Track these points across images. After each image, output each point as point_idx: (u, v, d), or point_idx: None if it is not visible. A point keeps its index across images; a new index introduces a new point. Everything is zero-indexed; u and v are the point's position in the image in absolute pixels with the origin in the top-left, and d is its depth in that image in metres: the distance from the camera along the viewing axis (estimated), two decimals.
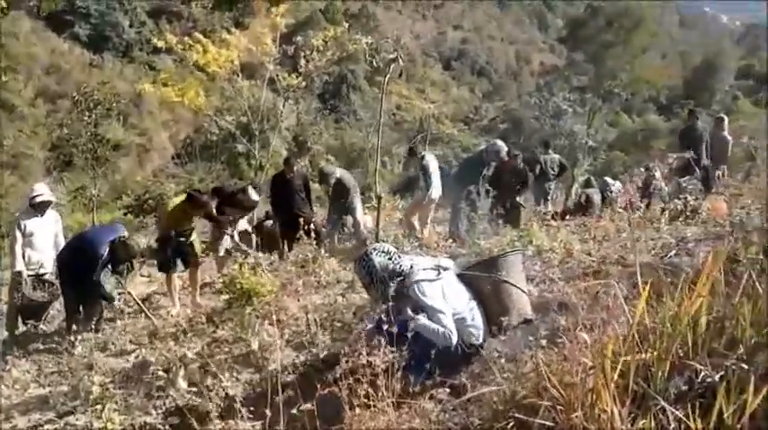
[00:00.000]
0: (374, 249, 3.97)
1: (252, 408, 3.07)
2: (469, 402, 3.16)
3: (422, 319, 3.68)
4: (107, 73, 42.13)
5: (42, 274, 7.11)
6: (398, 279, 3.87)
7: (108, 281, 6.23)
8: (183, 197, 7.42)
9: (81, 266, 6.10)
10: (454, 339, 3.68)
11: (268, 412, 2.84)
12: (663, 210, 7.53)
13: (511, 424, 2.63)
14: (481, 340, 3.87)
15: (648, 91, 45.72)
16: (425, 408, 3.17)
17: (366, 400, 2.94)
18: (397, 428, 2.96)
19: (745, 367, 2.29)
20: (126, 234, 6.39)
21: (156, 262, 7.74)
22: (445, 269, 4.04)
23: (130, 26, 51.67)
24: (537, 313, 4.19)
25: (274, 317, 5.20)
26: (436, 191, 9.55)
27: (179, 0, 57.48)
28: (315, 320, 5.08)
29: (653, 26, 42.10)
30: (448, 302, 3.81)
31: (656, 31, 43.89)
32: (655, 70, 42.64)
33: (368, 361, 3.04)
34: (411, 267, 3.92)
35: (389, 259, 3.89)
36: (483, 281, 4.13)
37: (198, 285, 7.46)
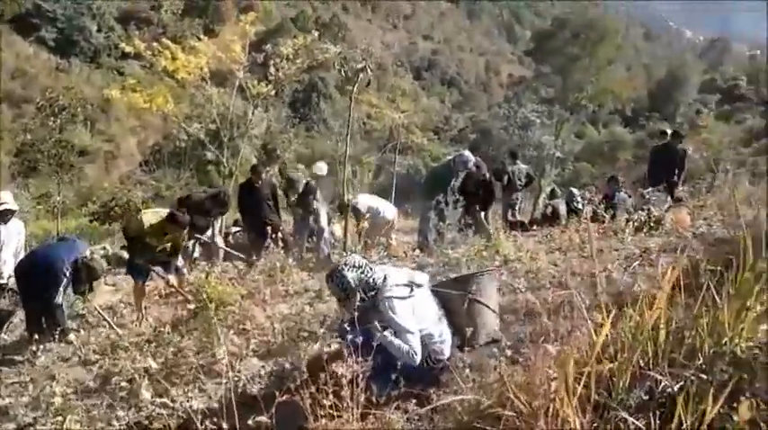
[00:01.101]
0: (345, 264, 3.92)
1: (214, 420, 3.03)
2: (435, 412, 3.17)
3: (389, 336, 3.64)
4: (74, 78, 41.67)
5: (1, 284, 6.93)
6: (372, 292, 3.85)
7: (68, 301, 6.12)
8: (154, 212, 7.17)
9: (41, 284, 5.94)
10: (417, 359, 3.63)
11: (225, 425, 2.82)
12: (627, 221, 7.63)
13: None
14: (447, 355, 3.87)
15: (614, 103, 46.50)
16: (390, 419, 3.17)
17: (330, 411, 2.93)
18: None
19: (704, 377, 2.33)
20: (88, 253, 6.22)
21: (125, 269, 7.57)
22: (419, 286, 3.98)
23: (98, 31, 51.21)
24: (503, 323, 4.22)
25: (240, 326, 5.17)
26: (389, 212, 9.64)
27: (148, 6, 57.10)
28: (282, 330, 5.06)
29: (618, 39, 42.86)
30: (417, 319, 3.78)
31: (620, 43, 44.71)
32: (620, 82, 43.37)
33: (333, 371, 3.03)
34: (384, 279, 3.88)
35: (362, 273, 3.85)
36: (456, 298, 4.13)
37: (184, 287, 7.09)
